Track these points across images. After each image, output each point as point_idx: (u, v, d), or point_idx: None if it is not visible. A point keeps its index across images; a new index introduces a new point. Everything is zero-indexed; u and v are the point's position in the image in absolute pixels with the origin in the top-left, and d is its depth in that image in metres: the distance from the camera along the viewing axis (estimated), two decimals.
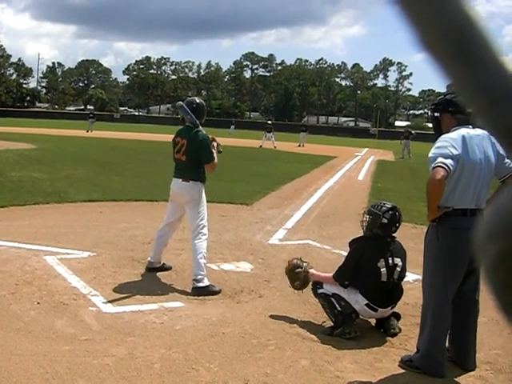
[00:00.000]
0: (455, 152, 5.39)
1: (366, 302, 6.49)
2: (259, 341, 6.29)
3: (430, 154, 5.53)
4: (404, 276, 6.76)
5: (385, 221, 6.63)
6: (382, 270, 6.49)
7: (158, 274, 8.64)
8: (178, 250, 9.71)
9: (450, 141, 5.49)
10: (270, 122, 56.65)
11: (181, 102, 8.58)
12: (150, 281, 8.35)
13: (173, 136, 8.50)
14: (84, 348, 5.84)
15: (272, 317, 7.06)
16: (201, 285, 7.83)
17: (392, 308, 6.65)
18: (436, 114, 5.94)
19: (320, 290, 6.85)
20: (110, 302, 7.30)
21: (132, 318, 6.77)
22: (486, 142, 5.57)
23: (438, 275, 5.63)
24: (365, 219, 6.83)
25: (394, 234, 6.82)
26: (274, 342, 6.26)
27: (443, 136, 5.62)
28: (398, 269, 6.59)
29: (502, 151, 5.62)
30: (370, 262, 6.53)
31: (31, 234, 10.61)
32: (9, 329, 6.26)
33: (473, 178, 5.50)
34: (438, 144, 5.55)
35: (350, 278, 6.64)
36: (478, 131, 5.62)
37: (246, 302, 7.63)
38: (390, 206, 6.77)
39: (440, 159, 5.37)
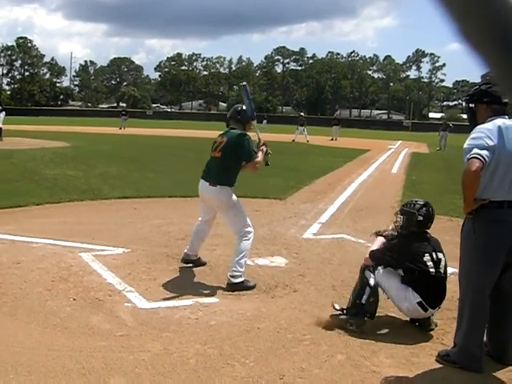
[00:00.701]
0: (491, 143, 5.29)
1: (419, 299, 6.36)
2: (294, 336, 6.26)
3: (464, 146, 5.44)
4: (447, 271, 6.68)
5: (420, 218, 6.56)
6: (428, 263, 6.41)
7: (192, 269, 8.66)
8: (213, 246, 9.71)
9: (486, 131, 5.39)
10: (302, 114, 56.32)
11: (245, 83, 8.57)
12: (185, 276, 8.37)
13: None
14: (120, 344, 5.86)
15: (307, 311, 7.03)
16: (236, 281, 7.82)
17: (438, 309, 6.57)
18: (471, 105, 5.82)
19: (367, 274, 6.72)
20: (144, 297, 7.32)
21: (167, 314, 6.79)
22: None
23: (475, 269, 5.55)
24: (398, 219, 6.75)
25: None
26: (309, 337, 6.23)
27: (478, 127, 5.51)
28: (443, 263, 6.50)
29: None
30: (416, 257, 6.44)
31: (66, 231, 10.69)
32: (45, 325, 6.31)
33: (509, 169, 5.39)
34: (473, 135, 5.45)
35: (383, 263, 6.61)
36: None
37: (280, 297, 7.61)
38: (422, 203, 6.71)
39: (475, 150, 5.27)
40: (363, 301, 6.53)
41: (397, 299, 6.50)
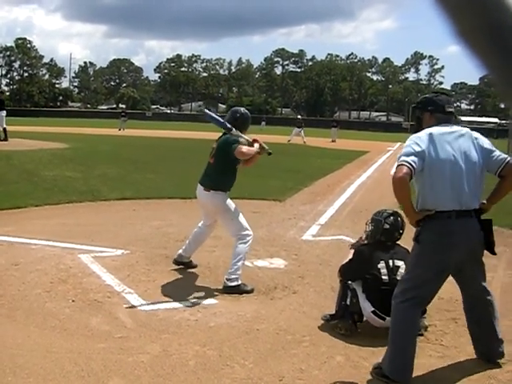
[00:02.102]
0: (418, 149, 5.27)
1: (373, 309, 6.32)
2: (294, 337, 6.27)
3: (398, 155, 5.46)
4: None
5: (387, 226, 6.59)
6: (382, 270, 6.38)
7: (191, 271, 8.66)
8: (212, 247, 9.71)
9: (414, 139, 5.41)
10: (299, 116, 56.50)
11: (205, 110, 8.57)
12: (184, 278, 8.37)
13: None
14: (119, 345, 5.86)
15: (306, 313, 7.04)
16: (232, 284, 7.81)
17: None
18: (417, 114, 5.84)
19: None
20: (144, 299, 7.33)
21: (166, 316, 6.79)
22: (463, 139, 5.43)
23: (413, 279, 5.50)
24: (368, 228, 6.79)
25: (397, 242, 6.73)
26: (308, 338, 6.24)
27: (411, 136, 5.54)
28: (401, 270, 6.34)
29: (486, 145, 5.52)
30: (370, 264, 6.42)
31: (65, 233, 10.69)
32: (44, 326, 6.31)
33: (445, 176, 5.29)
34: (406, 143, 5.47)
35: (352, 279, 6.60)
36: (455, 128, 5.52)
37: (279, 299, 7.61)
38: (391, 212, 6.76)
39: (402, 158, 5.28)
40: (347, 303, 6.53)
41: (362, 309, 6.48)
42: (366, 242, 6.92)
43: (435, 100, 5.68)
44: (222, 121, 8.24)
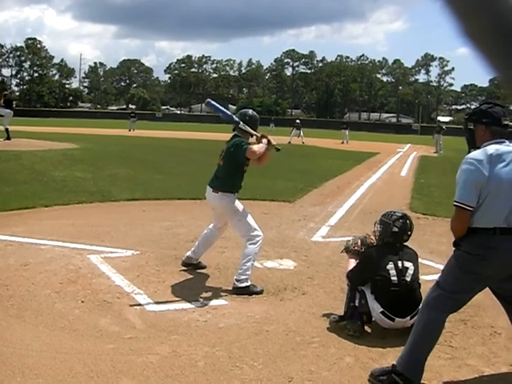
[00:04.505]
0: (478, 178, 5.06)
1: (382, 309, 6.33)
2: (303, 338, 6.25)
3: (457, 175, 5.25)
4: (417, 279, 6.56)
5: (395, 229, 6.57)
6: (391, 271, 6.38)
7: (200, 272, 8.65)
8: (222, 248, 9.71)
9: (474, 162, 5.12)
10: (298, 120, 56.90)
11: (209, 99, 8.48)
12: (194, 279, 8.36)
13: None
14: (128, 346, 5.86)
15: (315, 314, 7.02)
16: (242, 285, 7.81)
17: (412, 318, 6.26)
18: (470, 126, 5.54)
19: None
20: (153, 300, 7.32)
21: (175, 316, 6.78)
22: None
23: (448, 287, 5.42)
24: (376, 229, 6.78)
25: (406, 243, 6.73)
26: (317, 340, 6.22)
27: (469, 156, 5.24)
28: (410, 271, 6.44)
29: None
30: (379, 265, 6.43)
31: (75, 233, 10.70)
32: (53, 327, 6.31)
33: (500, 198, 5.11)
34: (463, 166, 5.21)
35: (362, 283, 6.59)
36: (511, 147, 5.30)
37: (289, 300, 7.60)
38: (400, 215, 6.73)
39: (462, 198, 5.13)
40: (356, 304, 6.54)
41: (371, 310, 6.47)
42: (362, 249, 6.94)
43: (490, 112, 5.36)
44: (230, 113, 8.22)
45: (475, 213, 5.14)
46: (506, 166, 5.12)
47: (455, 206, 5.16)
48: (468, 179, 5.14)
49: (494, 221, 5.11)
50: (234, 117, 8.19)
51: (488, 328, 6.77)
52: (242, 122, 8.11)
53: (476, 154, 5.23)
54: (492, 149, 5.15)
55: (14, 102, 33.63)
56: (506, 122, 5.38)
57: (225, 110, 8.36)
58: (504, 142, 5.26)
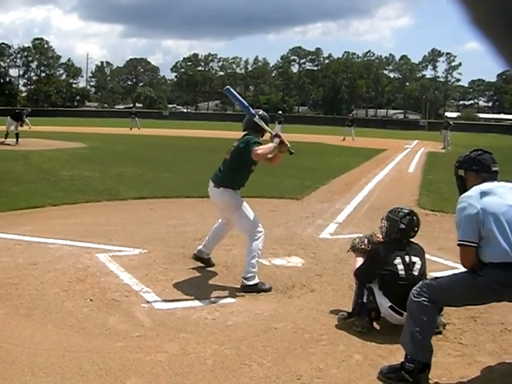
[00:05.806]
0: (473, 211, 5.15)
1: (390, 304, 6.34)
2: (312, 336, 6.24)
3: (455, 218, 5.39)
4: (424, 273, 6.53)
5: (402, 226, 6.56)
6: (399, 266, 6.38)
7: (208, 270, 8.66)
8: (229, 246, 9.71)
9: (466, 199, 5.29)
10: (280, 112, 56.73)
11: (228, 87, 8.38)
12: (202, 277, 8.36)
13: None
14: (137, 344, 5.86)
15: (324, 311, 7.01)
16: (250, 283, 7.80)
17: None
18: (460, 173, 5.69)
19: None
20: (162, 298, 7.33)
21: (184, 314, 6.78)
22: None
23: (448, 297, 5.40)
24: (383, 225, 6.77)
25: (412, 239, 6.73)
26: (326, 337, 6.21)
27: (462, 196, 5.40)
28: (417, 266, 6.45)
29: None
30: (387, 261, 6.43)
31: (83, 232, 10.72)
32: (62, 326, 6.32)
33: (504, 229, 5.09)
34: (458, 205, 5.36)
35: (370, 280, 6.59)
36: (503, 183, 5.43)
37: (297, 297, 7.59)
38: (407, 211, 6.72)
39: (463, 236, 5.21)
40: (364, 300, 6.54)
41: (379, 306, 6.47)
42: (369, 247, 6.94)
43: (480, 159, 5.53)
44: (247, 104, 8.18)
45: (484, 247, 5.18)
46: (499, 197, 5.25)
47: (459, 245, 5.28)
48: (464, 217, 5.25)
49: (506, 255, 5.08)
50: (251, 109, 8.15)
51: (498, 325, 6.74)
52: (258, 116, 8.07)
53: (467, 192, 5.42)
54: (483, 186, 5.35)
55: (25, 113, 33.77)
56: (494, 169, 5.53)
57: (243, 100, 8.32)
58: (494, 181, 5.44)
